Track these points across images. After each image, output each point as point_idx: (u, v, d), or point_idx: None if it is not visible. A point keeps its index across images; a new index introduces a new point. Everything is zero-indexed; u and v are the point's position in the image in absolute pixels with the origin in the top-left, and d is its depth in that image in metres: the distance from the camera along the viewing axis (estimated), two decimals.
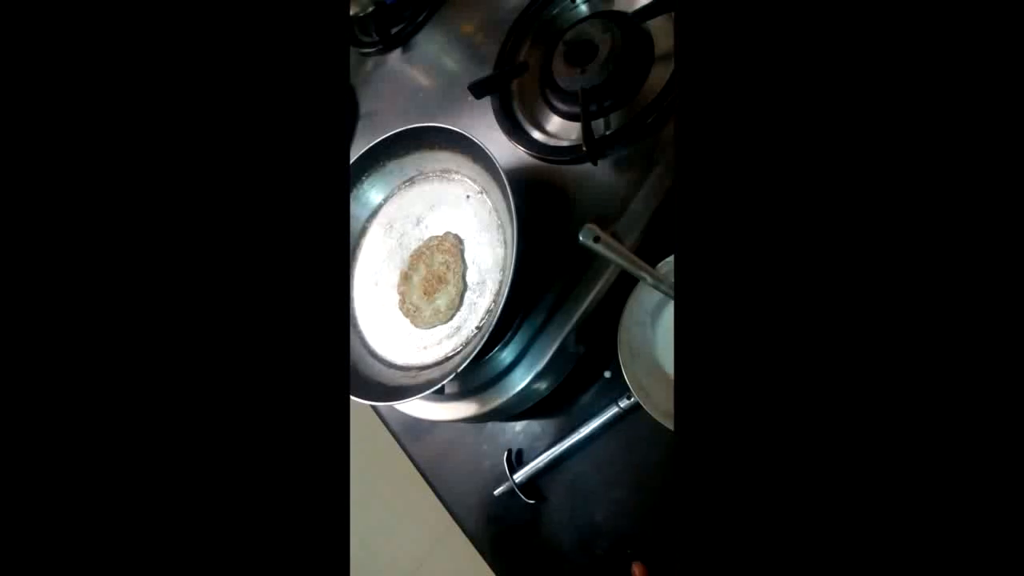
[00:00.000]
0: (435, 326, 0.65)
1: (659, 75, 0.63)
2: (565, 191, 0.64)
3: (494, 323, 0.55)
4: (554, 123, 0.69)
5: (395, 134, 0.68)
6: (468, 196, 0.67)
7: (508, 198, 0.57)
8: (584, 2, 0.72)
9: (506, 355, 0.62)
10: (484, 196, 0.66)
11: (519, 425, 0.65)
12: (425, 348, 0.66)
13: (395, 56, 0.86)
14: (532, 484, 0.62)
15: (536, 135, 0.68)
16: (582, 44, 0.65)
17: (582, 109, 0.62)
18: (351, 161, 0.69)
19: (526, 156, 0.67)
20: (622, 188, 0.61)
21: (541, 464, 0.61)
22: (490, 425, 0.66)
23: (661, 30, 0.64)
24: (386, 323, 0.69)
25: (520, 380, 0.60)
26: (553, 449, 0.60)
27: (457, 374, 0.55)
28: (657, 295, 0.56)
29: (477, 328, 0.62)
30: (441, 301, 0.65)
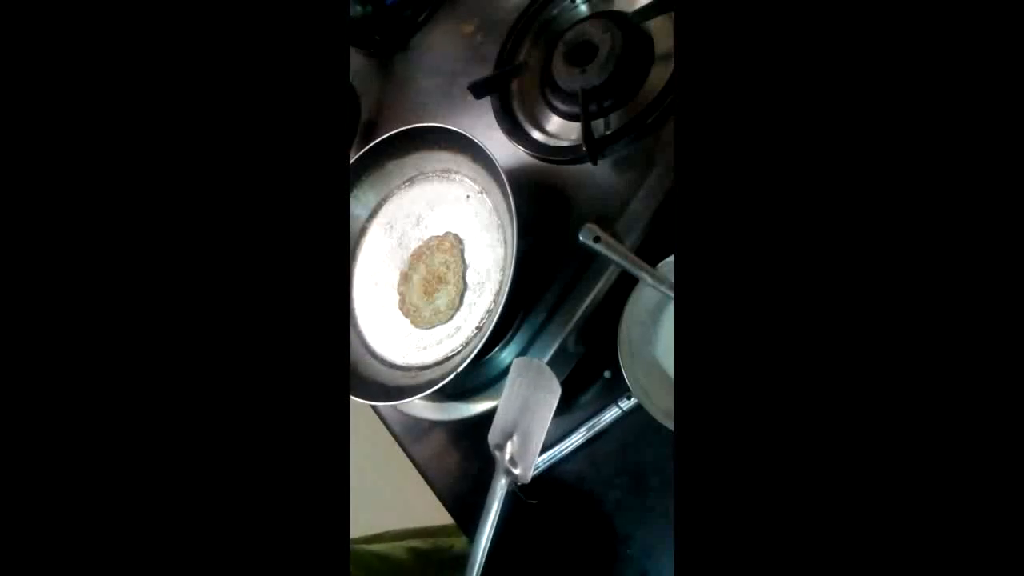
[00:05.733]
0: (435, 326, 0.65)
1: (659, 75, 0.63)
2: (565, 191, 0.64)
3: (494, 323, 0.55)
4: (554, 123, 0.68)
5: (395, 134, 0.68)
6: (468, 196, 0.67)
7: (508, 198, 0.57)
8: (584, 2, 0.72)
9: (506, 355, 0.62)
10: (484, 196, 0.66)
11: None
12: (425, 348, 0.66)
13: (395, 56, 0.86)
14: (532, 484, 0.62)
15: (536, 135, 0.68)
16: (582, 44, 0.65)
17: (582, 109, 0.62)
18: (351, 161, 0.69)
19: (526, 156, 0.67)
20: (622, 188, 0.61)
21: (541, 464, 0.61)
22: (490, 425, 0.66)
23: (661, 30, 0.64)
24: (386, 323, 0.69)
25: None
26: (553, 449, 0.60)
27: (457, 374, 0.55)
28: (657, 295, 0.56)
29: (477, 328, 0.62)
30: (441, 301, 0.65)
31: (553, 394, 0.53)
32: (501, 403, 0.55)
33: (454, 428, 0.68)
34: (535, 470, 0.61)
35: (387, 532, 0.81)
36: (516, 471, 0.53)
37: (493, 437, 0.55)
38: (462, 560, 0.57)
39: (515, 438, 0.53)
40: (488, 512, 0.53)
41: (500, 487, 0.53)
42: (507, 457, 0.53)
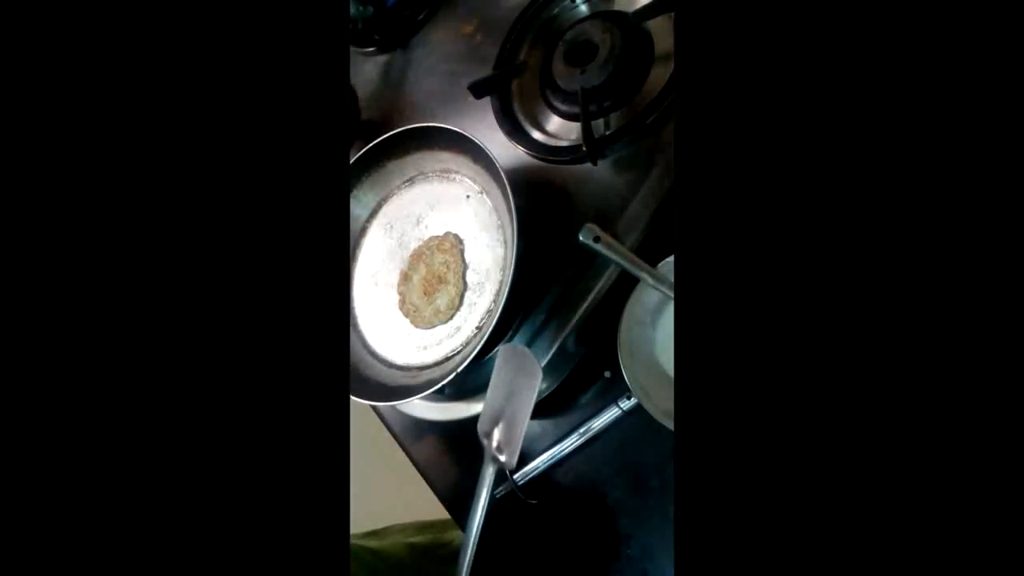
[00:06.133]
0: (435, 326, 0.65)
1: (659, 75, 0.63)
2: (565, 191, 0.64)
3: (494, 323, 0.55)
4: (554, 123, 0.68)
5: (395, 134, 0.68)
6: (468, 196, 0.67)
7: (508, 198, 0.57)
8: (584, 2, 0.72)
9: None
10: (484, 196, 0.66)
11: None
12: (425, 348, 0.66)
13: (395, 56, 0.86)
14: (532, 484, 0.62)
15: (536, 135, 0.68)
16: (582, 44, 0.65)
17: (582, 109, 0.62)
18: (351, 161, 0.69)
19: (526, 156, 0.67)
20: (622, 188, 0.61)
21: (541, 464, 0.61)
22: None
23: (661, 30, 0.64)
24: (386, 323, 0.69)
25: None
26: (553, 449, 0.60)
27: (457, 374, 0.55)
28: (657, 295, 0.56)
29: (477, 328, 0.62)
30: (441, 301, 0.65)
31: (534, 378, 0.53)
32: (488, 392, 0.55)
33: (454, 428, 0.68)
34: (532, 468, 0.61)
35: (385, 528, 0.81)
36: (502, 458, 0.53)
37: (481, 426, 0.55)
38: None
39: (501, 425, 0.54)
40: (477, 500, 0.53)
41: (488, 475, 0.54)
42: (494, 444, 0.54)
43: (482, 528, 0.56)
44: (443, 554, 0.74)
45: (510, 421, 0.54)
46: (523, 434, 0.54)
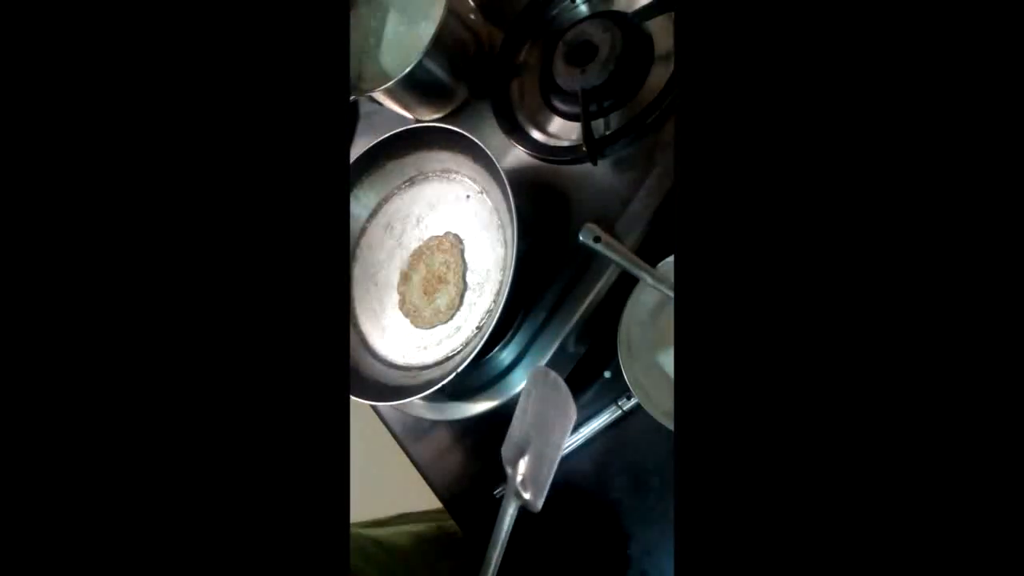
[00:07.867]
0: (435, 326, 0.65)
1: (659, 75, 0.63)
2: (565, 191, 0.64)
3: (494, 323, 0.55)
4: (554, 123, 0.68)
5: (395, 134, 0.68)
6: (468, 196, 0.67)
7: (508, 198, 0.57)
8: (584, 2, 0.72)
9: (506, 355, 0.62)
10: (484, 196, 0.66)
11: None
12: (425, 348, 0.66)
13: None
14: None
15: (536, 135, 0.68)
16: (582, 44, 0.65)
17: (582, 109, 0.62)
18: (351, 161, 0.69)
19: (526, 156, 0.67)
20: (622, 188, 0.61)
21: None
22: (490, 425, 0.66)
23: (661, 30, 0.64)
24: (386, 323, 0.69)
25: (520, 380, 0.60)
26: None
27: (457, 374, 0.55)
28: (657, 295, 0.56)
29: (477, 328, 0.62)
30: (441, 301, 0.65)
31: (567, 418, 0.49)
32: (515, 415, 0.52)
33: (454, 428, 0.68)
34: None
35: (388, 518, 0.81)
36: (526, 495, 0.49)
37: (506, 451, 0.51)
38: (463, 544, 0.55)
39: (527, 458, 0.50)
40: (497, 536, 0.49)
41: (510, 512, 0.49)
42: (518, 478, 0.50)
43: (482, 528, 0.55)
44: (445, 543, 0.74)
45: (538, 458, 0.50)
46: (552, 475, 0.49)
